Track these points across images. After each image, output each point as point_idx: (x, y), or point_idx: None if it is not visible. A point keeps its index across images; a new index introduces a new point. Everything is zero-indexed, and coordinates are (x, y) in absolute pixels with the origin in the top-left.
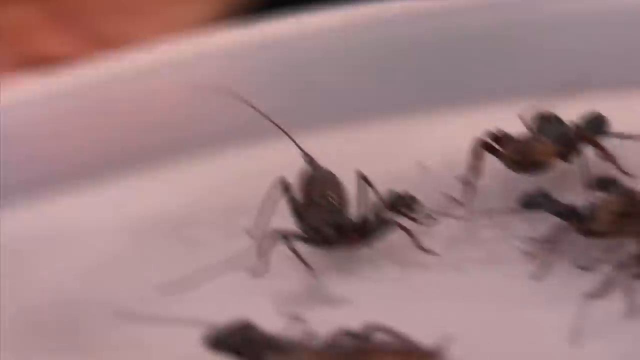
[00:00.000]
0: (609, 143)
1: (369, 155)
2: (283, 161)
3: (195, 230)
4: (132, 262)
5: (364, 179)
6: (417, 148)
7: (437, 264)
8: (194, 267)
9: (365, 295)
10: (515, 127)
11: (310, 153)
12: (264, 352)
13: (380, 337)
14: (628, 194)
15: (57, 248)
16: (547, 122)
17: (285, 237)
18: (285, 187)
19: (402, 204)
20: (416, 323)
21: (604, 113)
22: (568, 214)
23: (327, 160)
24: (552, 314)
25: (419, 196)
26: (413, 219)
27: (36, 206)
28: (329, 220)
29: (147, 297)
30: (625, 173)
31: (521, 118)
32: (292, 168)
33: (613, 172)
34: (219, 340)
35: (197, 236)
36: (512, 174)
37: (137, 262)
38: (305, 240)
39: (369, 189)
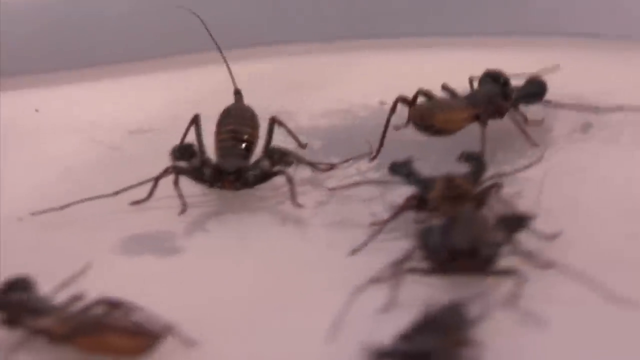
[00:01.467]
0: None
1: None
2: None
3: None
4: None
5: (277, 123)
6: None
7: (297, 221)
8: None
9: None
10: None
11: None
12: (23, 314)
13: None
14: (448, 179)
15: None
16: (489, 81)
17: (175, 170)
18: (196, 123)
19: (278, 157)
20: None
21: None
22: (418, 185)
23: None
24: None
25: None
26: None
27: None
28: (211, 161)
29: None
30: (533, 144)
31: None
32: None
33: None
34: None
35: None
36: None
37: None
38: (191, 176)
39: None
